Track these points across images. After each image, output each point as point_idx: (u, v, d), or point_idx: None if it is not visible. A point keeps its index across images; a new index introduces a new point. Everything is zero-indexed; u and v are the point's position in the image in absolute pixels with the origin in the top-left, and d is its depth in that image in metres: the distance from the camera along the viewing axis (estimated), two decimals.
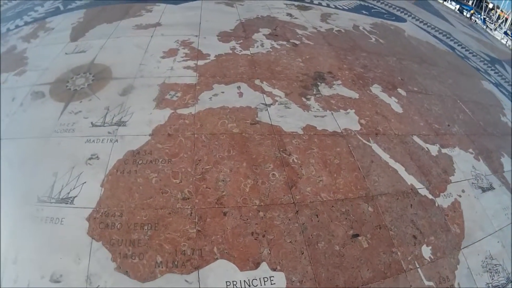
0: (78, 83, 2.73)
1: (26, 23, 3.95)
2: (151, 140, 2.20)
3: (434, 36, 5.09)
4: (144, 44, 3.18)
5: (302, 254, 1.80)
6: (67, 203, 1.87)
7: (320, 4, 4.77)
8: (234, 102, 2.53)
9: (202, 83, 2.67)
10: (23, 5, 4.55)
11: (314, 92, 2.80)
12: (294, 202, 1.99)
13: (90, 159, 2.11)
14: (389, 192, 2.26)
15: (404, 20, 5.16)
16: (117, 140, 2.20)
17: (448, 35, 5.39)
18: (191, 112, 2.39)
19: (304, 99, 2.70)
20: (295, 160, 2.20)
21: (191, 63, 2.90)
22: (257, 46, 3.28)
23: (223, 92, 2.61)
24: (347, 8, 4.88)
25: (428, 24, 5.42)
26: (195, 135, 2.23)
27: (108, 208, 1.84)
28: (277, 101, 2.62)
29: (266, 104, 2.55)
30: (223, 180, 2.01)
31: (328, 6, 4.76)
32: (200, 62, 2.91)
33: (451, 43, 5.18)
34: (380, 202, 2.17)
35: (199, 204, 1.89)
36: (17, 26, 3.92)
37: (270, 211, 1.92)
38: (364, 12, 4.89)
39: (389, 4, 5.70)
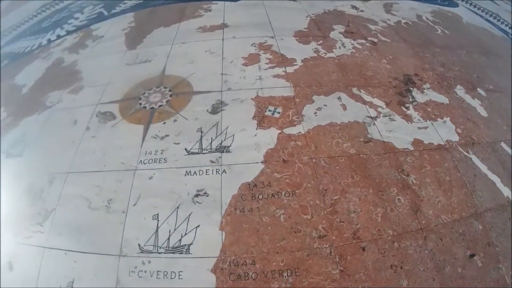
0: (154, 100, 2.46)
1: (68, 32, 3.67)
2: (266, 168, 2.03)
3: (487, 20, 4.93)
4: (217, 50, 2.94)
5: (434, 280, 1.84)
6: (181, 253, 1.66)
7: None
8: (340, 116, 2.42)
9: (300, 94, 2.55)
10: (59, 13, 4.17)
11: (411, 100, 2.73)
12: (421, 228, 1.99)
13: (197, 195, 1.86)
14: (492, 207, 2.27)
15: (456, 5, 4.95)
16: (224, 171, 1.98)
17: (497, 17, 5.21)
18: (300, 132, 2.27)
19: (404, 109, 2.62)
20: (414, 181, 2.18)
21: (279, 70, 2.75)
22: (339, 47, 3.13)
23: (326, 105, 2.49)
24: None
25: (478, 6, 5.22)
26: (313, 160, 2.12)
27: (236, 256, 1.69)
28: (380, 112, 2.53)
29: (371, 117, 2.47)
30: (355, 211, 1.95)
31: None
32: (289, 69, 2.77)
33: (503, 26, 5.01)
34: (486, 219, 2.19)
35: (336, 241, 1.83)
36: (58, 36, 3.63)
37: (403, 240, 1.91)
38: None
39: None
